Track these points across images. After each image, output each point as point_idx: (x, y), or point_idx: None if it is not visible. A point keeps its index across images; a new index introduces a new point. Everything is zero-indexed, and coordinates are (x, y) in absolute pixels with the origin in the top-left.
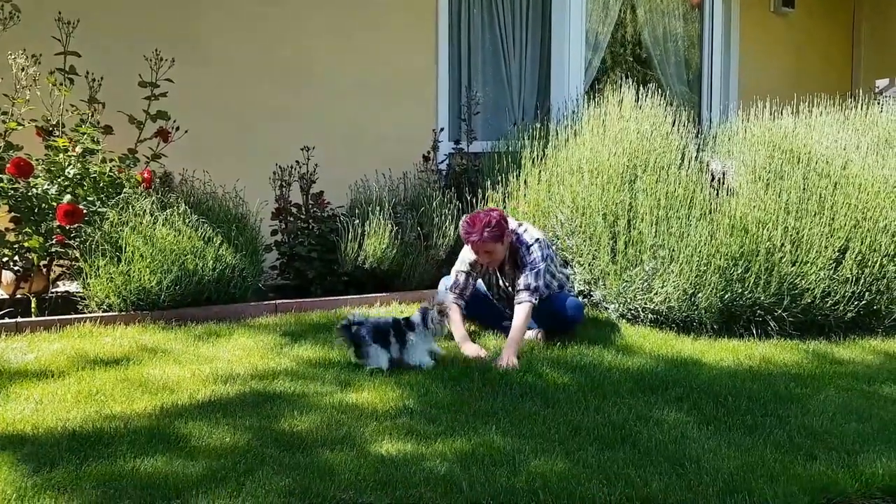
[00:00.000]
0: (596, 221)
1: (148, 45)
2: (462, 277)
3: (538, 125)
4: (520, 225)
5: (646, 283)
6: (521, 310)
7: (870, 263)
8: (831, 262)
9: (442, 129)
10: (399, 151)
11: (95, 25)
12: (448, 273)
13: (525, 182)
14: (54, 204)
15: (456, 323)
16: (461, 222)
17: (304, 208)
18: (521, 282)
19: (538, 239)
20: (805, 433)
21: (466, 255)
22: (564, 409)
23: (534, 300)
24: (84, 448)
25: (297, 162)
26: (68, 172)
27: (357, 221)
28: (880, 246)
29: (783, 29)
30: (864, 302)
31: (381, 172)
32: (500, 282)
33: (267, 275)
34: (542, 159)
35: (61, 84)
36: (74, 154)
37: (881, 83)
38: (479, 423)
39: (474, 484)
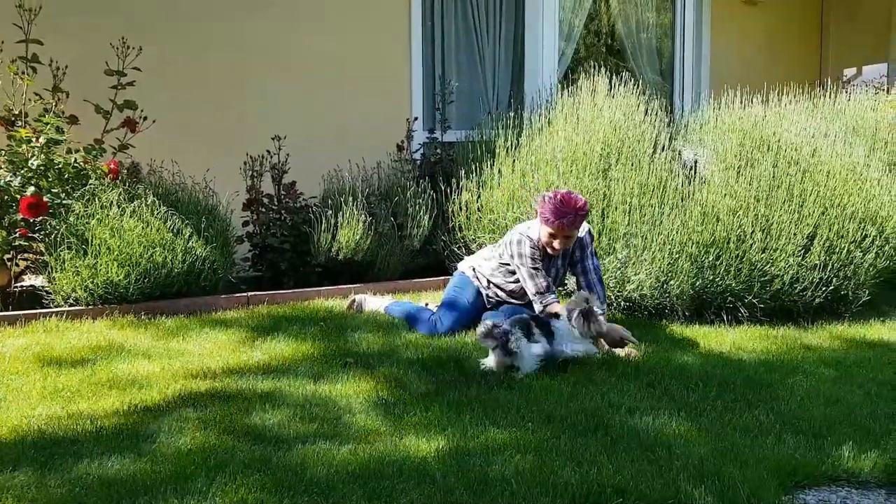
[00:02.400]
0: None
1: (115, 32)
2: (542, 276)
3: (512, 114)
4: None
5: (619, 272)
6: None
7: (837, 250)
8: (800, 248)
9: (416, 119)
10: (372, 141)
11: (59, 11)
12: (421, 260)
13: (499, 171)
14: (17, 196)
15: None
16: (547, 201)
17: (276, 199)
18: (583, 280)
19: (589, 231)
20: (774, 417)
21: (533, 250)
22: (538, 398)
23: (604, 308)
24: (49, 446)
25: (268, 152)
26: (32, 164)
27: (330, 212)
28: (847, 232)
29: (753, 18)
30: (831, 288)
31: (355, 162)
32: (551, 272)
33: (239, 266)
34: (516, 148)
35: (23, 73)
36: (38, 145)
37: (849, 72)
38: (453, 414)
39: (448, 474)
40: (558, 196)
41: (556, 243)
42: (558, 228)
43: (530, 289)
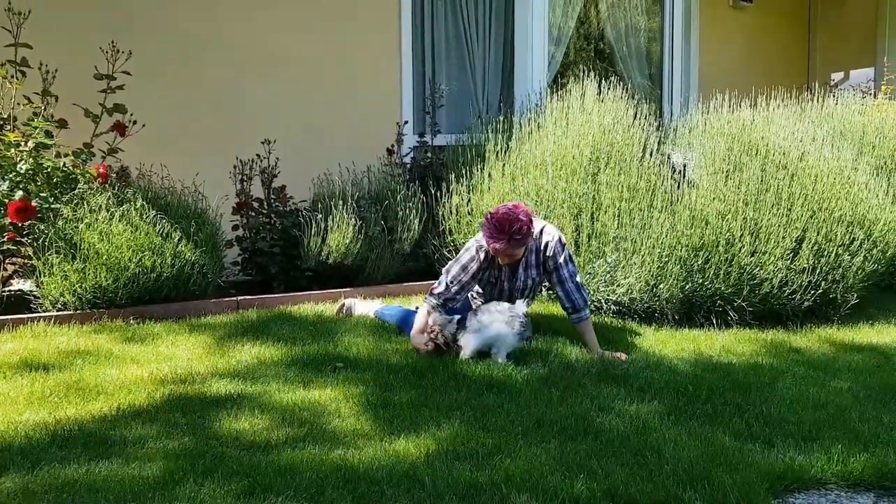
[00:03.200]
0: (559, 214)
1: (104, 36)
2: (455, 289)
3: (502, 118)
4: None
5: (609, 275)
6: (587, 326)
7: (826, 253)
8: (788, 252)
9: (406, 122)
10: (363, 145)
11: (49, 15)
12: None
13: (489, 175)
14: (5, 200)
15: (421, 316)
16: (485, 222)
17: (265, 203)
18: (566, 301)
19: (559, 239)
20: (763, 421)
21: (470, 262)
22: (528, 402)
23: (587, 314)
24: (36, 452)
25: (257, 155)
26: (20, 168)
27: (320, 216)
28: (836, 236)
29: (741, 23)
30: (820, 291)
31: (345, 166)
32: (505, 284)
33: (229, 270)
34: (505, 152)
35: (12, 76)
36: (27, 149)
37: (836, 76)
38: (443, 418)
39: (437, 479)
40: (494, 218)
41: (499, 259)
42: (493, 251)
43: (437, 283)
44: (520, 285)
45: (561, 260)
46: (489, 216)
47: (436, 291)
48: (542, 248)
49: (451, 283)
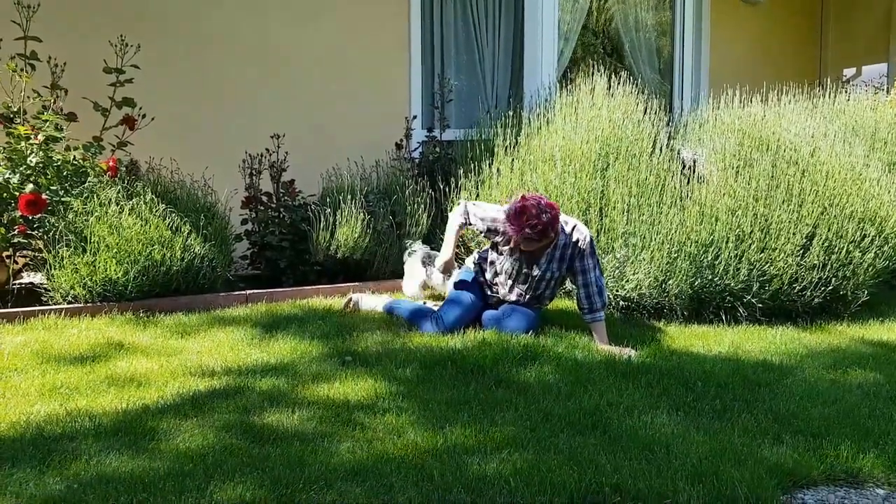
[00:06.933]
0: (568, 209)
1: (113, 30)
2: (464, 221)
3: (511, 113)
4: (565, 223)
5: (617, 271)
6: (601, 326)
7: (836, 250)
8: (799, 248)
9: (415, 117)
10: (371, 139)
11: (58, 9)
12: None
13: (498, 170)
14: (16, 193)
15: (451, 232)
16: (513, 202)
17: (274, 197)
18: (585, 301)
19: (591, 241)
20: (772, 417)
21: (495, 214)
22: (536, 396)
23: (602, 315)
24: (47, 443)
25: (266, 150)
26: (30, 161)
27: (329, 210)
28: (846, 232)
29: (753, 18)
30: (830, 288)
31: (354, 160)
32: (515, 266)
33: (238, 265)
34: (514, 147)
35: (22, 70)
36: (37, 142)
37: (848, 72)
38: (451, 412)
39: (445, 472)
40: (518, 202)
41: (515, 244)
42: (511, 233)
43: (466, 207)
44: (539, 275)
45: (589, 262)
46: (516, 200)
47: (457, 217)
48: (570, 244)
49: (472, 217)
